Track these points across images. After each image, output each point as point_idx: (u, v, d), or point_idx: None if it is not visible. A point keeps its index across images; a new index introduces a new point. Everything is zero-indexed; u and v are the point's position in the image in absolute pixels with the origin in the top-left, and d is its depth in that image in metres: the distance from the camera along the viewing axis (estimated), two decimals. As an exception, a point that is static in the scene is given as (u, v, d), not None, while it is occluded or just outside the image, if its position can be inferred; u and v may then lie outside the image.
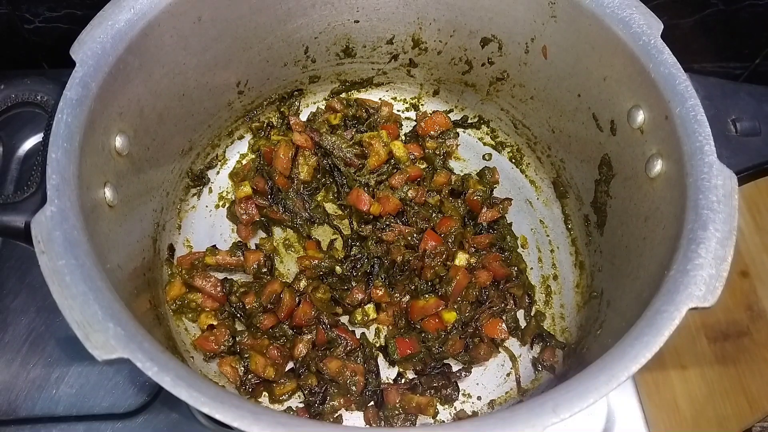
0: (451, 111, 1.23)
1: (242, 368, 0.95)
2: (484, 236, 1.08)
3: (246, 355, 0.96)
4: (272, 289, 1.00)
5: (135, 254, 0.92)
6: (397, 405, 0.95)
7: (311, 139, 1.11)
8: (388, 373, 1.00)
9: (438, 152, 1.15)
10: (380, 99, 1.23)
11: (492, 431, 0.62)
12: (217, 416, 0.61)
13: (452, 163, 1.19)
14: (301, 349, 0.97)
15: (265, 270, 1.04)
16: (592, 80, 0.95)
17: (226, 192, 1.14)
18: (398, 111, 1.23)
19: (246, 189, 1.07)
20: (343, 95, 1.23)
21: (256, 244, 1.08)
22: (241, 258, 1.04)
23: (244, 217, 1.08)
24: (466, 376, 0.99)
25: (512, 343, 1.03)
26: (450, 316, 0.99)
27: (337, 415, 0.95)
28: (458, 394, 0.98)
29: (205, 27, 0.94)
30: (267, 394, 0.97)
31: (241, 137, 1.18)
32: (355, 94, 1.24)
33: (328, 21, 1.08)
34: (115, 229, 0.83)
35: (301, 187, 1.11)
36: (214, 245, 1.06)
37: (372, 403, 0.97)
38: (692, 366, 1.03)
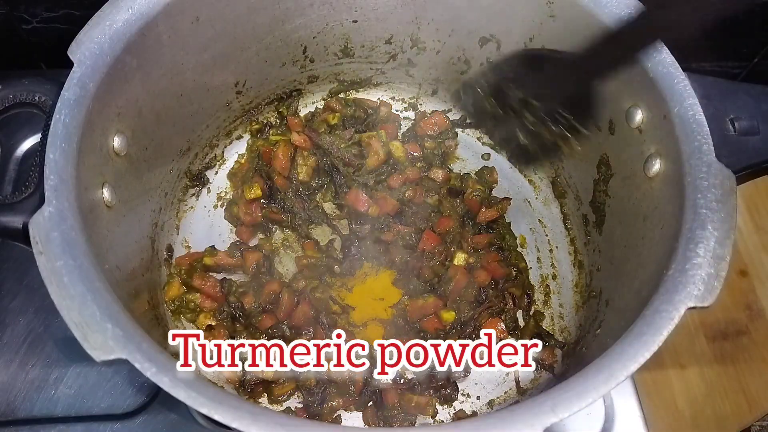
0: (449, 111, 1.23)
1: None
2: (483, 236, 1.08)
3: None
4: (271, 289, 1.00)
5: (133, 255, 0.92)
6: (396, 405, 0.95)
7: (310, 139, 1.11)
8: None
9: (436, 152, 1.15)
10: (379, 99, 1.23)
11: (491, 431, 0.62)
12: (216, 417, 0.61)
13: (451, 163, 1.18)
14: (300, 349, 0.97)
15: (264, 270, 1.04)
16: (591, 80, 0.95)
17: (225, 192, 1.14)
18: (397, 111, 1.23)
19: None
20: (342, 95, 1.23)
21: (254, 245, 1.08)
22: (240, 258, 1.04)
23: (248, 218, 1.07)
24: (465, 375, 0.99)
25: (511, 343, 1.03)
26: (449, 316, 0.99)
27: (336, 415, 0.95)
28: (457, 393, 0.98)
29: (203, 27, 0.94)
30: (266, 395, 0.97)
31: (239, 137, 1.18)
32: (354, 94, 1.23)
33: (326, 21, 1.08)
34: (114, 230, 0.83)
35: (299, 188, 1.11)
36: (213, 245, 1.06)
37: (371, 403, 0.97)
38: (691, 365, 1.03)
